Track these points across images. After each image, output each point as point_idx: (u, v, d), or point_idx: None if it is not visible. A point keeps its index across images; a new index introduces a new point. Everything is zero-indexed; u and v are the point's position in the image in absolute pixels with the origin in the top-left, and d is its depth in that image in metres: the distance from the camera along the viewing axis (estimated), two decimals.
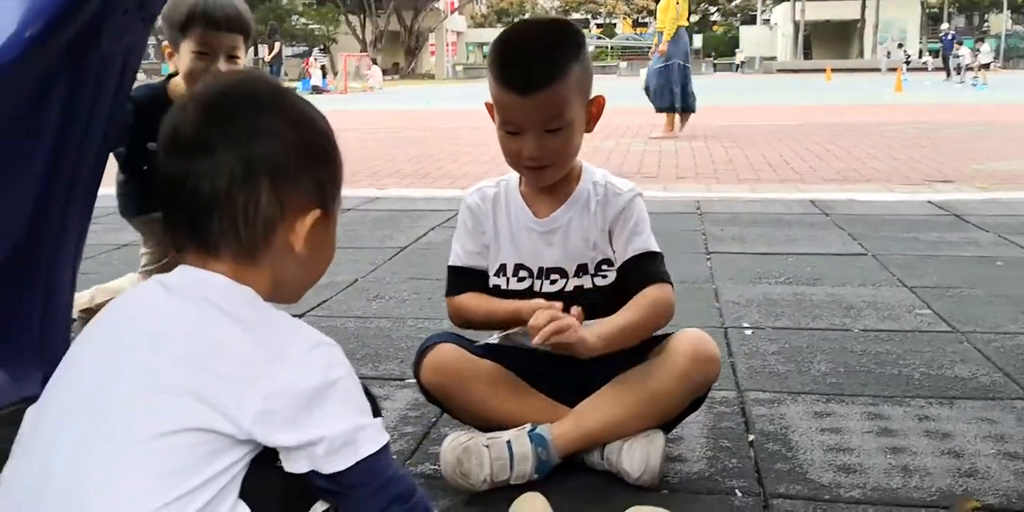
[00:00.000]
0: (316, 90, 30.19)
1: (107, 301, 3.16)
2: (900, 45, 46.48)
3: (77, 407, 1.12)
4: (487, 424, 1.97)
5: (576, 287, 2.02)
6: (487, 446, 1.88)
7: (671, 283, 2.02)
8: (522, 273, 2.04)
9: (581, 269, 2.02)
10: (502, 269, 2.05)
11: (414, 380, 2.08)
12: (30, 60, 2.15)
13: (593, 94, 1.99)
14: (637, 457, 1.91)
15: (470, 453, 1.86)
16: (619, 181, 2.08)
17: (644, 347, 2.00)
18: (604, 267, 2.02)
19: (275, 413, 1.09)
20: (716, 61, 54.12)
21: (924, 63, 35.87)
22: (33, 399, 2.45)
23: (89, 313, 3.18)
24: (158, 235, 3.03)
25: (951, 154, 8.91)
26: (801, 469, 2.04)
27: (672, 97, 11.16)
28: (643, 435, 1.94)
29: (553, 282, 2.02)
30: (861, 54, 63.12)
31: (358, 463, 1.14)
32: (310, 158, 1.24)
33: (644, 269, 2.00)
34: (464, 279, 2.08)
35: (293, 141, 1.22)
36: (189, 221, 1.20)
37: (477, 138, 11.27)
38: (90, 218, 2.64)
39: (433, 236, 4.86)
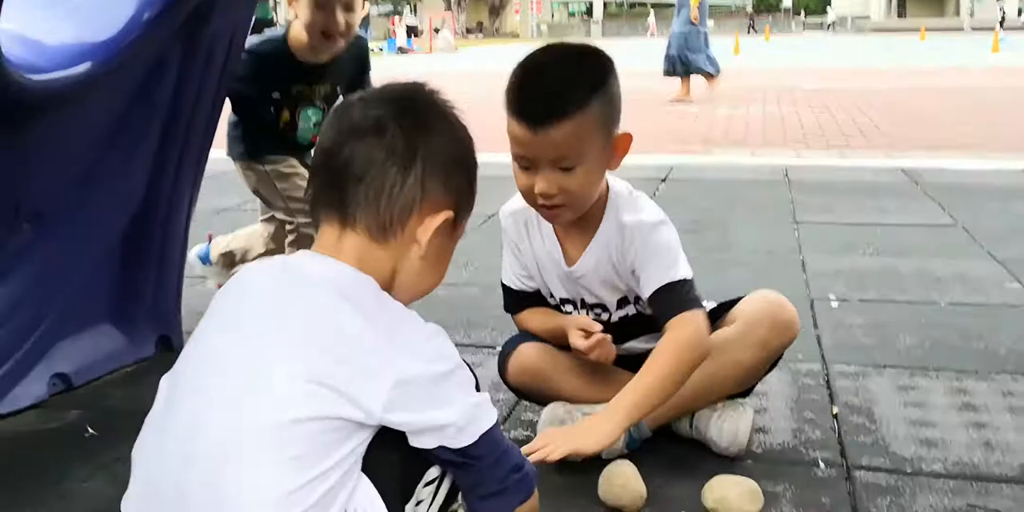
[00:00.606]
0: (401, 50, 30.29)
1: (242, 248, 3.33)
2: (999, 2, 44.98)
3: (218, 392, 1.21)
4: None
5: (622, 317, 2.05)
6: (583, 417, 1.97)
7: (701, 307, 1.94)
8: (567, 307, 2.08)
9: (622, 302, 2.04)
10: (550, 296, 2.09)
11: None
12: (147, 40, 2.29)
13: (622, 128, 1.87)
14: (726, 428, 1.98)
15: (566, 424, 1.96)
16: (635, 214, 1.94)
17: (720, 310, 2.07)
18: (642, 301, 2.00)
19: (404, 400, 1.19)
20: (805, 20, 52.89)
21: None
22: (148, 360, 2.62)
23: (227, 258, 3.34)
24: (252, 182, 3.14)
25: None
26: (884, 442, 2.09)
27: (678, 62, 11.25)
28: (732, 408, 2.01)
29: (598, 315, 2.06)
30: (957, 13, 61.25)
31: (481, 436, 1.25)
32: (461, 165, 1.34)
33: (668, 301, 1.90)
34: (519, 299, 2.13)
35: (454, 145, 1.33)
36: (337, 188, 1.29)
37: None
38: (199, 188, 2.79)
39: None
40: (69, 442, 2.15)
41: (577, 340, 1.95)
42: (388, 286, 1.32)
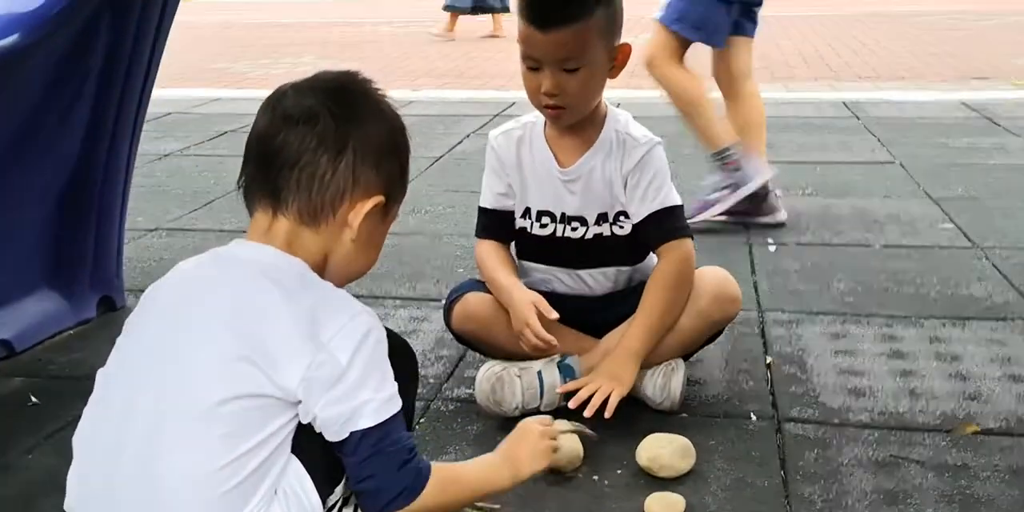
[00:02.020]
0: None
1: None
2: None
3: (148, 377, 1.25)
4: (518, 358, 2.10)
5: (596, 234, 2.10)
6: (519, 376, 2.02)
7: (691, 235, 2.09)
8: (545, 219, 2.12)
9: (601, 218, 2.10)
10: (527, 212, 2.14)
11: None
12: (77, 6, 2.25)
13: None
14: (659, 384, 2.04)
15: (503, 382, 2.00)
16: (638, 130, 2.09)
17: None
18: (622, 218, 2.09)
19: (317, 380, 1.22)
20: None
21: None
22: (90, 322, 2.63)
23: None
24: None
25: (989, 48, 8.77)
26: (814, 392, 2.16)
27: None
28: (665, 364, 2.07)
29: (574, 229, 2.11)
30: None
31: (376, 427, 1.25)
32: (392, 152, 1.37)
33: (662, 226, 2.05)
34: (491, 221, 2.18)
35: (385, 132, 1.36)
36: (270, 175, 1.32)
37: (514, 34, 11.10)
38: (137, 145, 2.77)
39: (468, 145, 4.93)
40: (12, 412, 2.16)
41: (528, 338, 1.99)
42: (320, 269, 1.35)
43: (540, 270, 2.17)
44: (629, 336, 2.02)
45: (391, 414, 1.27)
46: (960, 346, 2.39)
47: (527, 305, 2.00)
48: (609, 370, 1.99)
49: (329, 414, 1.23)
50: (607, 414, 1.91)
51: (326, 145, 1.30)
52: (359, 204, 1.33)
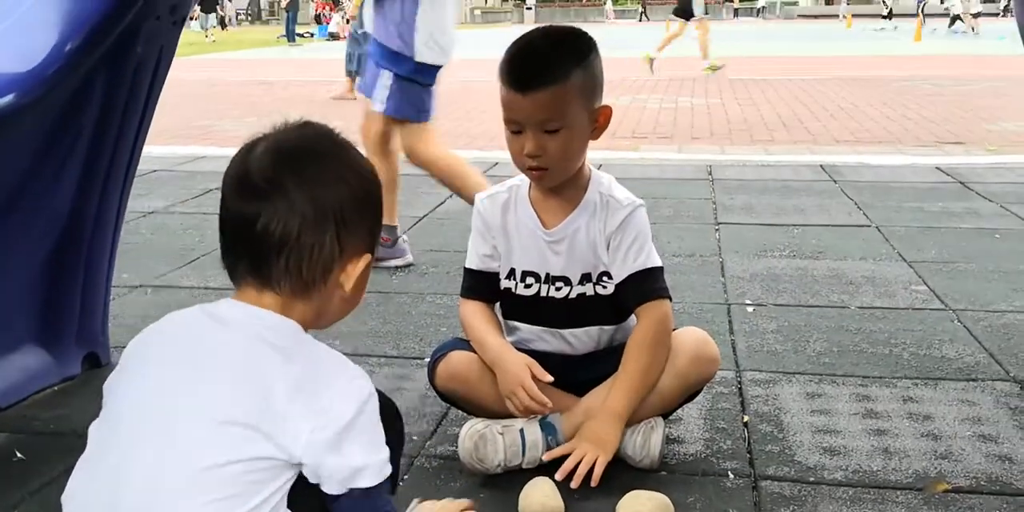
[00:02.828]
0: (333, 37, 29.92)
1: None
2: None
3: (144, 439, 1.25)
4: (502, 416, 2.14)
5: (579, 294, 2.15)
6: (501, 434, 2.05)
7: (669, 297, 2.13)
8: (529, 279, 2.17)
9: (585, 277, 2.14)
10: (512, 273, 2.19)
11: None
12: (72, 69, 2.31)
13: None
14: (639, 443, 2.08)
15: (485, 440, 2.04)
16: (621, 192, 2.14)
17: None
18: (605, 278, 2.14)
19: (321, 442, 1.24)
20: (737, 6, 53.30)
21: (946, 9, 35.02)
22: (75, 378, 2.64)
23: None
24: None
25: (964, 113, 8.97)
26: (790, 451, 2.20)
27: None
28: (645, 422, 2.10)
29: (559, 289, 2.16)
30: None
31: (365, 490, 1.28)
32: (367, 206, 1.38)
33: (641, 287, 2.10)
34: (476, 282, 2.23)
35: (357, 189, 1.36)
36: (254, 258, 1.32)
37: (494, 91, 11.30)
38: (126, 203, 2.81)
39: (451, 205, 4.98)
40: None
41: (523, 399, 2.03)
42: (311, 322, 1.37)
43: (524, 330, 2.21)
44: (611, 398, 2.06)
45: (385, 477, 1.30)
46: (932, 406, 2.44)
47: (522, 367, 2.05)
48: (593, 434, 2.02)
49: (331, 471, 1.26)
50: (593, 482, 1.95)
51: (307, 222, 1.30)
52: (350, 266, 1.36)
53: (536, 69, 1.98)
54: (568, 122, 1.99)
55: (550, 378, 2.04)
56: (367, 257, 1.38)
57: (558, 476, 1.96)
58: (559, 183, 2.10)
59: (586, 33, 2.09)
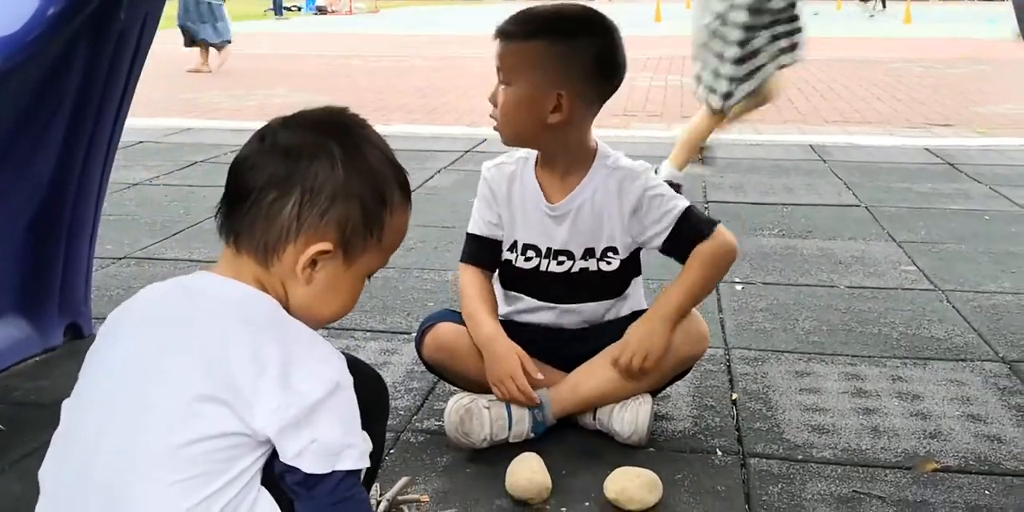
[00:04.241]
0: (321, 11, 29.71)
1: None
2: None
3: (115, 416, 1.21)
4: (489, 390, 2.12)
5: (581, 269, 2.14)
6: (487, 408, 2.03)
7: (716, 222, 2.14)
8: (530, 253, 2.15)
9: (588, 253, 2.13)
10: (514, 246, 2.17)
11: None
12: (52, 34, 2.27)
13: None
14: (627, 419, 2.06)
15: (471, 414, 2.02)
16: (627, 161, 2.13)
17: (636, 318, 2.14)
18: (610, 254, 2.13)
19: (286, 420, 1.19)
20: None
21: None
22: (57, 349, 2.62)
23: None
24: None
25: (955, 96, 8.96)
26: (779, 429, 2.19)
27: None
28: (633, 399, 2.09)
29: (560, 263, 2.14)
30: None
31: (334, 472, 1.22)
32: (352, 198, 1.29)
33: (691, 228, 2.10)
34: (478, 248, 2.20)
35: (343, 176, 1.28)
36: (231, 202, 1.31)
37: (486, 69, 11.26)
38: (108, 173, 2.77)
39: (439, 180, 4.97)
40: None
41: (511, 390, 2.02)
42: (291, 310, 1.31)
43: (521, 301, 2.19)
44: (664, 302, 2.09)
45: (365, 465, 1.25)
46: (921, 386, 2.43)
47: (513, 358, 2.03)
48: (640, 334, 2.07)
49: (311, 450, 1.20)
50: (641, 377, 2.07)
51: (272, 179, 1.27)
52: (310, 249, 1.28)
53: (517, 23, 2.04)
54: (518, 83, 2.01)
55: (540, 376, 2.03)
56: (321, 246, 1.28)
57: (614, 367, 2.05)
58: (518, 145, 2.14)
59: (603, 21, 2.06)
